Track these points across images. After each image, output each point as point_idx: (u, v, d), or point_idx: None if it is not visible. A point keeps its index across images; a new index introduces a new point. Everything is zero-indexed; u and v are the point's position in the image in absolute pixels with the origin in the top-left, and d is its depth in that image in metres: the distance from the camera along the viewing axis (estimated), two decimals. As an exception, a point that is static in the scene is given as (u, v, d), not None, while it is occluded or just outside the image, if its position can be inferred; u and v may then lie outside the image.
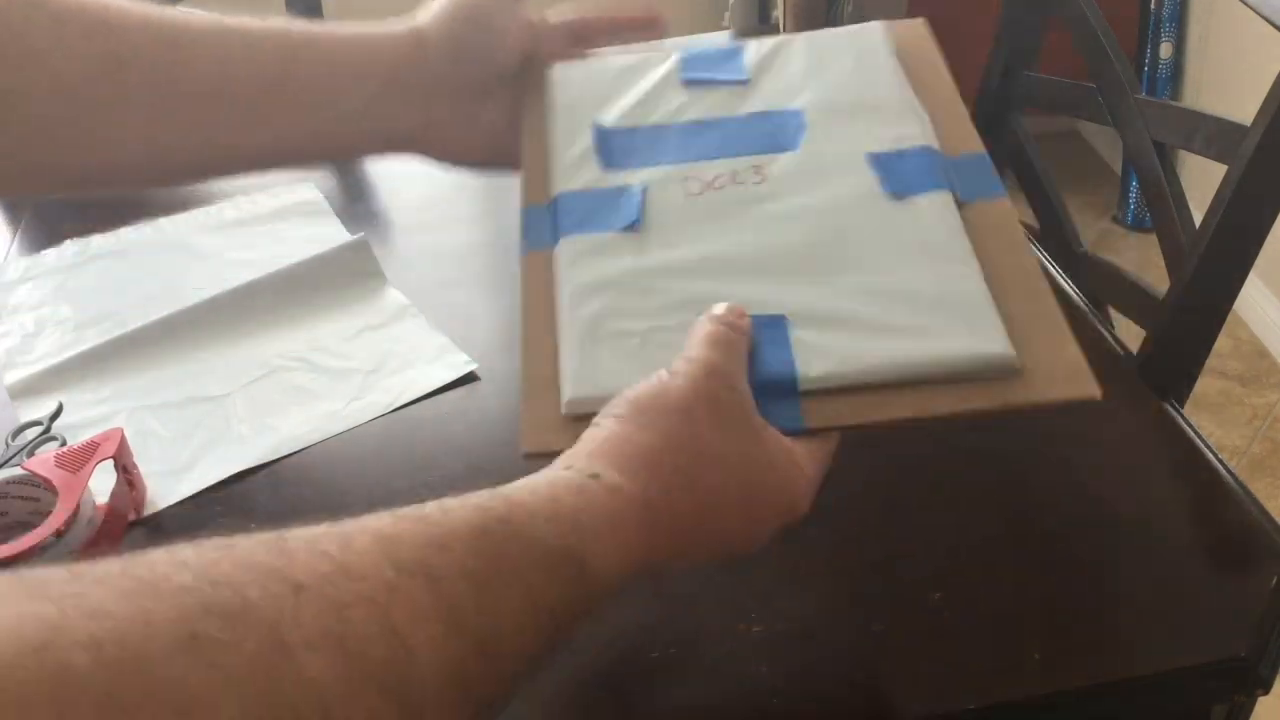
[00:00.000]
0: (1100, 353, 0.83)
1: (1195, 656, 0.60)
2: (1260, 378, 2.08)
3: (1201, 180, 1.76)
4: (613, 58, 0.67)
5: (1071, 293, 0.89)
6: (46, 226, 1.07)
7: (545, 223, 0.57)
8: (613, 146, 0.60)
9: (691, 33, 1.43)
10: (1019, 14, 1.14)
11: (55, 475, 0.68)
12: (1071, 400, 0.47)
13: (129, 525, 0.72)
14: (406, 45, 0.64)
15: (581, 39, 0.69)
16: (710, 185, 0.57)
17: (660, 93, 0.63)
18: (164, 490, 0.76)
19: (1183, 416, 0.77)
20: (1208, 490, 0.71)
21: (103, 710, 0.27)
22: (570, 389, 0.49)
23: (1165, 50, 2.26)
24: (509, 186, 1.10)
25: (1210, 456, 0.73)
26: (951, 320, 0.49)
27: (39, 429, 0.79)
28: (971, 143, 0.58)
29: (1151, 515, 0.69)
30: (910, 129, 0.58)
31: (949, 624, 0.62)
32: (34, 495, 0.70)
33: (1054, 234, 1.11)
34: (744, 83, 0.63)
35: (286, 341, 0.88)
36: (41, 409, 0.81)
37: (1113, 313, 1.04)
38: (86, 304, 0.94)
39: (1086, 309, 0.87)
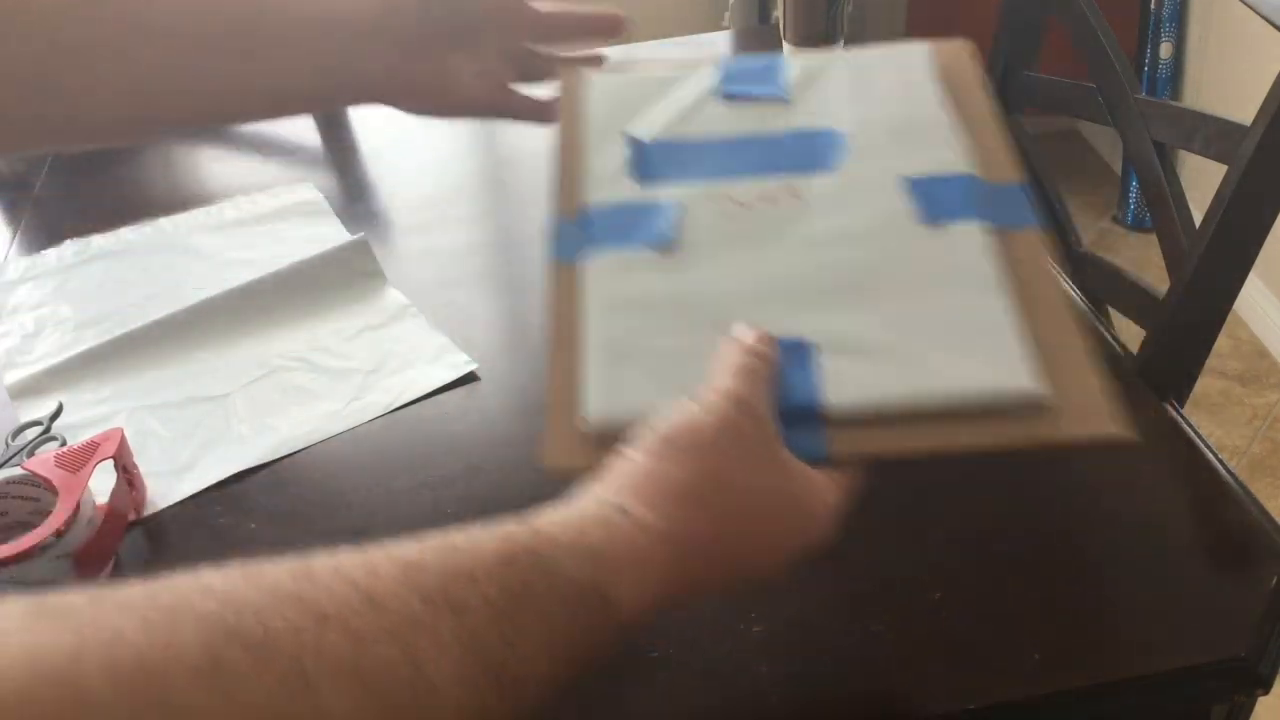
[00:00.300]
0: (1100, 353, 0.82)
1: (1195, 656, 0.60)
2: (1260, 378, 2.08)
3: (1201, 180, 1.76)
4: (651, 69, 0.66)
5: (1071, 293, 0.89)
6: (46, 226, 1.07)
7: (574, 235, 0.56)
8: (648, 159, 0.59)
9: (691, 33, 1.43)
10: (1019, 14, 1.14)
11: (55, 475, 0.68)
12: (1098, 438, 0.47)
13: (129, 525, 0.72)
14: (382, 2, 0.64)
15: (549, 35, 0.69)
16: (745, 205, 0.56)
17: (699, 106, 0.62)
18: (164, 490, 0.76)
19: (1183, 416, 0.77)
20: (1208, 490, 0.71)
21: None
22: (594, 407, 0.49)
23: (1165, 50, 2.26)
24: (510, 186, 1.10)
25: (1210, 456, 0.73)
26: (980, 353, 0.49)
27: (39, 429, 0.79)
28: (1009, 172, 0.57)
29: (1151, 515, 0.69)
30: (949, 154, 0.58)
31: (949, 624, 0.62)
32: (34, 495, 0.70)
33: (1054, 234, 1.11)
34: (784, 100, 0.62)
35: (286, 341, 0.88)
36: (41, 409, 0.81)
37: (1113, 313, 1.04)
38: (86, 304, 0.94)
39: (1086, 309, 0.87)
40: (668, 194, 0.57)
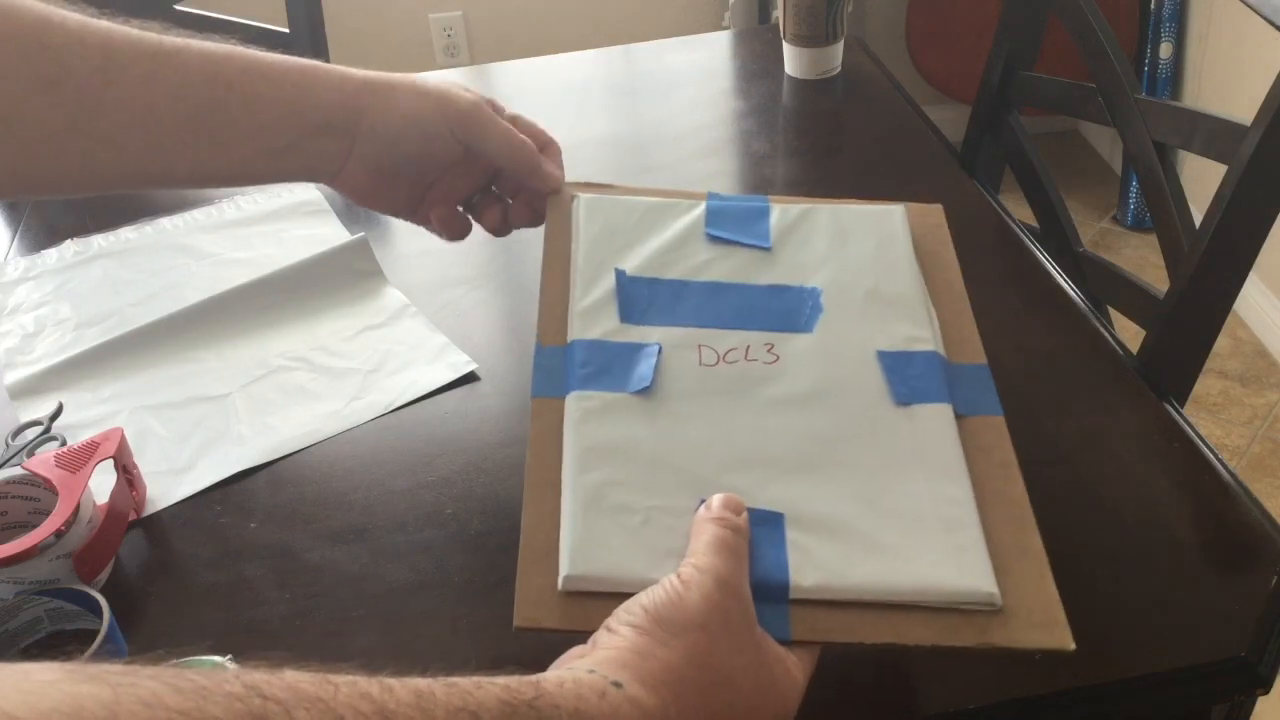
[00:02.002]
0: (1100, 353, 0.83)
1: (1195, 656, 0.60)
2: (1260, 378, 2.08)
3: (1201, 180, 1.76)
4: (641, 196, 0.67)
5: (1071, 293, 0.89)
6: (46, 226, 1.07)
7: (558, 368, 0.58)
8: (633, 296, 0.61)
9: (692, 33, 1.43)
10: (1019, 14, 1.14)
11: (55, 475, 0.68)
12: (1045, 649, 0.48)
13: (129, 525, 0.72)
14: (349, 92, 0.66)
15: (500, 177, 0.72)
16: (724, 358, 0.58)
17: (684, 243, 0.64)
18: (164, 490, 0.76)
19: (1183, 416, 0.77)
20: (1208, 490, 0.71)
21: None
22: (568, 565, 0.49)
23: (1165, 50, 2.26)
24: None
25: (1210, 456, 0.73)
26: (943, 549, 0.50)
27: (39, 429, 0.79)
28: (975, 353, 0.60)
29: (1151, 515, 0.69)
30: (921, 331, 0.60)
31: (949, 624, 0.62)
32: (34, 495, 0.70)
33: (1054, 234, 1.11)
34: (765, 249, 0.64)
35: (286, 341, 0.88)
36: (41, 409, 0.81)
37: (1113, 313, 1.04)
38: (86, 304, 0.94)
39: (1086, 309, 0.87)
40: (650, 335, 0.59)
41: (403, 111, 0.66)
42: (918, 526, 0.51)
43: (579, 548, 0.50)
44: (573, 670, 0.43)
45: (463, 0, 2.52)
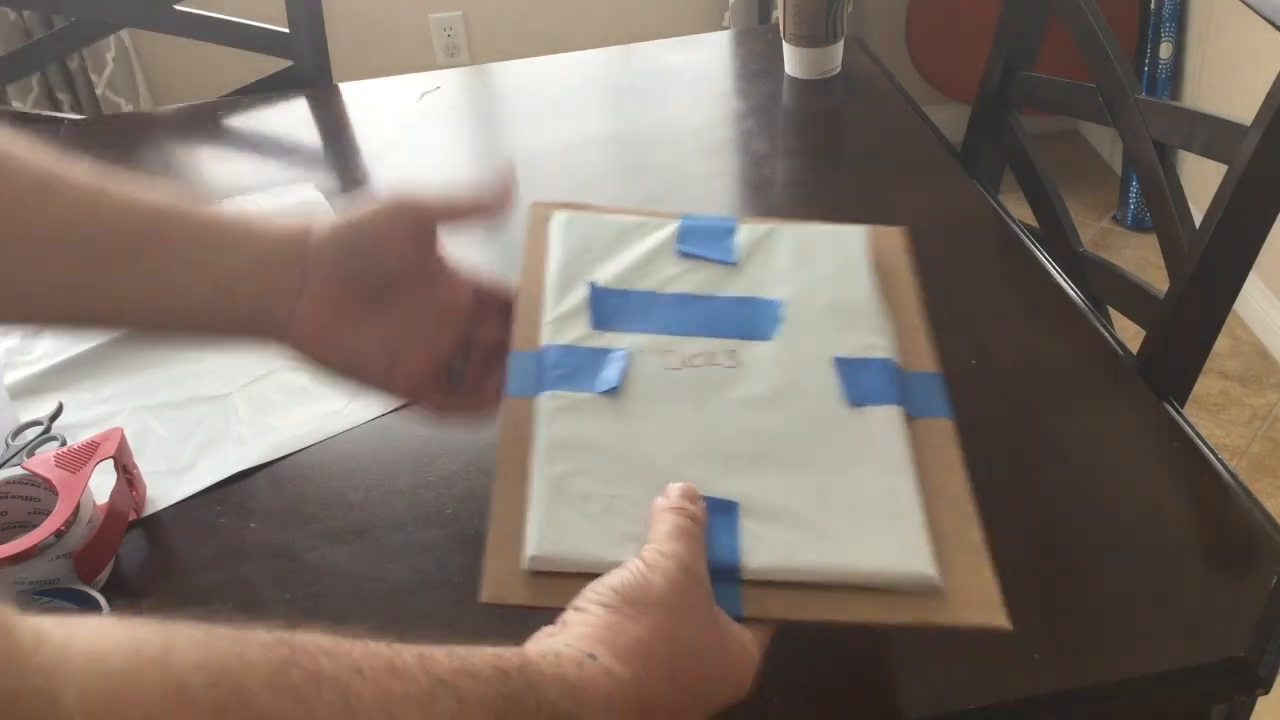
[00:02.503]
0: (1100, 353, 0.83)
1: (1195, 656, 0.60)
2: (1260, 378, 2.08)
3: (1201, 180, 1.76)
4: (615, 215, 0.69)
5: (1071, 293, 0.89)
6: (46, 226, 1.06)
7: (531, 371, 0.61)
8: (604, 306, 0.64)
9: (691, 33, 1.43)
10: (1019, 14, 1.14)
11: (55, 475, 0.68)
12: (981, 626, 0.51)
13: (129, 525, 0.72)
14: (288, 227, 0.61)
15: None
16: (689, 362, 0.61)
17: (655, 259, 0.66)
18: (164, 490, 0.76)
19: (1183, 416, 0.77)
20: (1208, 490, 0.71)
21: None
22: (533, 547, 0.53)
23: (1165, 50, 2.26)
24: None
25: (1210, 456, 0.73)
26: (887, 535, 0.53)
27: (39, 429, 0.79)
28: (928, 362, 0.62)
29: (1151, 515, 0.69)
30: (876, 340, 0.62)
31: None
32: (34, 495, 0.70)
33: (1054, 234, 1.11)
34: (732, 264, 0.67)
35: (286, 341, 0.88)
36: (41, 409, 0.81)
37: (1113, 313, 1.04)
38: (86, 304, 0.94)
39: (1086, 309, 0.87)
40: (619, 341, 0.62)
41: (345, 220, 0.62)
42: (864, 516, 0.54)
43: (544, 531, 0.53)
44: (550, 644, 0.46)
45: (463, 0, 2.52)
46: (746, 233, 0.69)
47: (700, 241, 0.68)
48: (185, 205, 0.60)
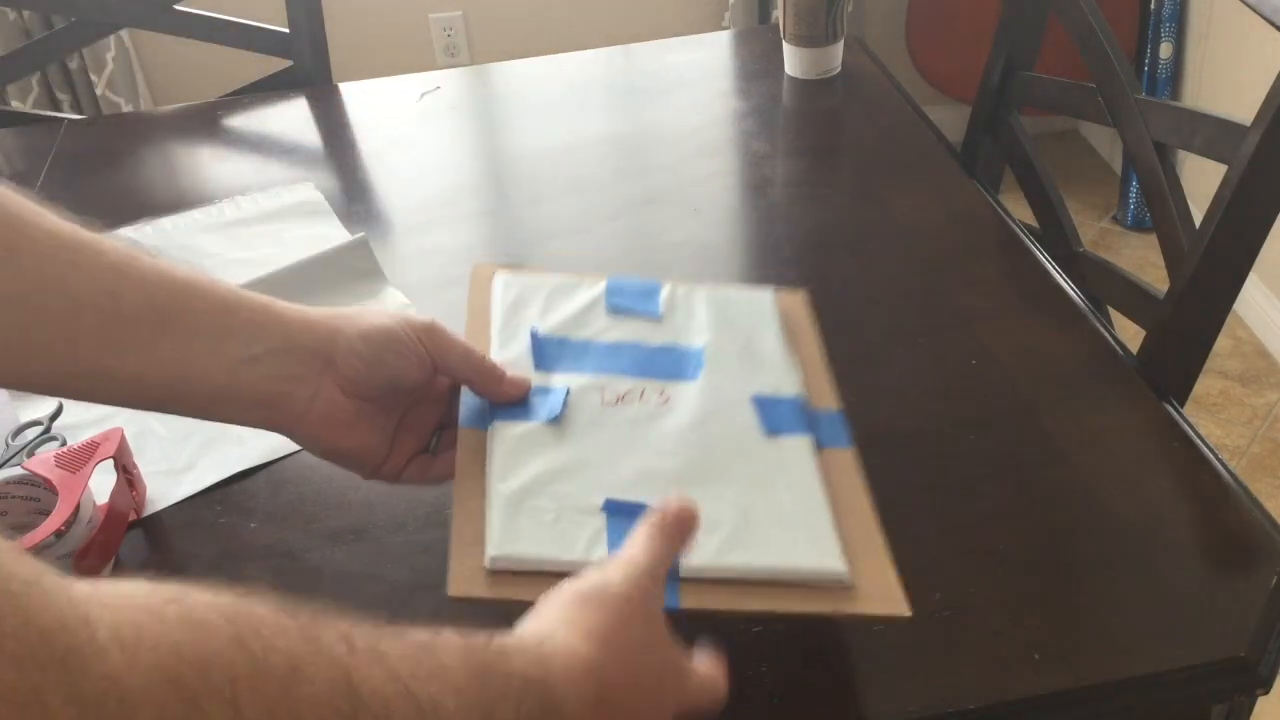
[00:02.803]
0: (1100, 353, 0.83)
1: (1195, 656, 0.60)
2: (1260, 378, 2.08)
3: (1201, 180, 1.76)
4: (549, 276, 0.77)
5: (1071, 293, 0.89)
6: (46, 226, 1.06)
7: (481, 405, 0.67)
8: (545, 351, 0.70)
9: (692, 33, 1.43)
10: (1019, 14, 1.14)
11: (55, 475, 0.68)
12: (886, 616, 0.57)
13: (129, 525, 0.72)
14: (314, 321, 0.63)
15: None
16: (622, 398, 0.68)
17: (588, 312, 0.74)
18: (164, 490, 0.76)
19: (1183, 416, 0.77)
20: (1208, 490, 0.71)
21: (236, 648, 0.35)
22: (494, 548, 0.58)
23: (1165, 50, 2.26)
24: (509, 186, 1.10)
25: (1210, 456, 0.73)
26: (803, 539, 0.60)
27: (39, 429, 0.79)
28: (831, 401, 0.71)
29: (1151, 515, 0.69)
30: (786, 381, 0.70)
31: (949, 624, 0.63)
32: (34, 495, 0.70)
33: (1054, 234, 1.11)
34: (656, 318, 0.74)
35: (286, 341, 0.88)
36: (41, 409, 0.81)
37: (1113, 313, 1.04)
38: (86, 304, 0.94)
39: (1086, 309, 0.87)
40: (559, 381, 0.68)
41: (375, 325, 0.63)
42: (783, 524, 0.61)
43: (502, 535, 0.59)
44: (516, 631, 0.49)
45: (463, 0, 2.52)
46: (668, 291, 0.76)
47: (628, 299, 0.75)
48: (210, 283, 0.62)
